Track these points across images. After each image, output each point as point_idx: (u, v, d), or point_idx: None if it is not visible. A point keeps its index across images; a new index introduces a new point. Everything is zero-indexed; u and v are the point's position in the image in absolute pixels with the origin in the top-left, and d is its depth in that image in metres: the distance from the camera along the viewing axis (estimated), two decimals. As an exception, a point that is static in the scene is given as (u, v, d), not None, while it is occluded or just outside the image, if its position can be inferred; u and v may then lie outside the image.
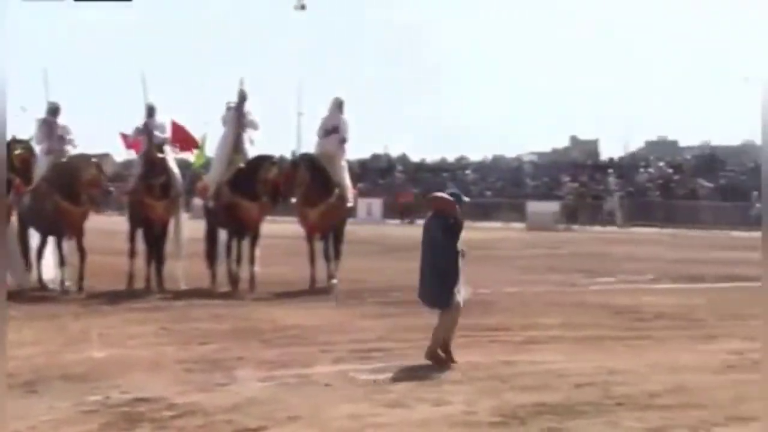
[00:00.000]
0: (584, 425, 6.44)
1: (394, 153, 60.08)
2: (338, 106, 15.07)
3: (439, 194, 9.00)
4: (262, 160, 14.43)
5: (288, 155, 24.45)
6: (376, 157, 57.74)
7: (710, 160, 44.13)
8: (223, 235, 14.80)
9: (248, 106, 14.83)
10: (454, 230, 8.66)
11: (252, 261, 14.31)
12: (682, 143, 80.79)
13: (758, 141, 73.02)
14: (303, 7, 39.09)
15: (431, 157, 63.98)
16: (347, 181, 15.29)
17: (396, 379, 7.80)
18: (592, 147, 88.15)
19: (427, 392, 7.35)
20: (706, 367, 8.37)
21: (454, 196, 8.83)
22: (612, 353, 9.11)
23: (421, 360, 8.52)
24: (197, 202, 17.57)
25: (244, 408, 6.85)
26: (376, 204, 45.02)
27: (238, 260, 14.37)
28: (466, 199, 9.08)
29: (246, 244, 14.46)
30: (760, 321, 11.22)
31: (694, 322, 11.19)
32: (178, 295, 13.49)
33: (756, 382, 7.64)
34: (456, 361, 8.49)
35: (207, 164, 18.48)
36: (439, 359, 8.46)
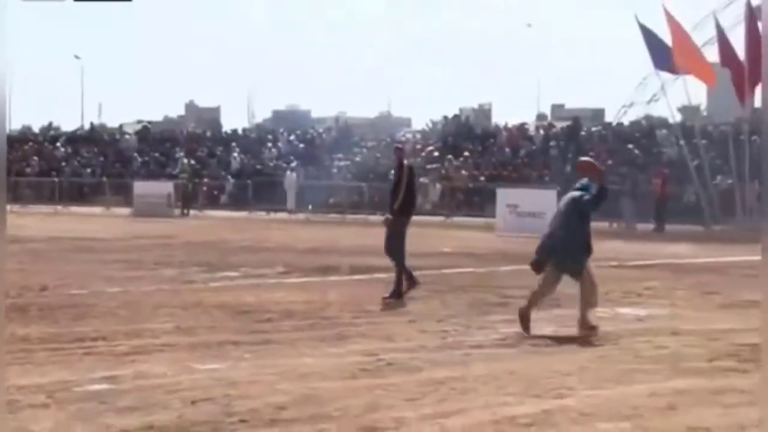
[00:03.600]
0: (199, 449, 6.54)
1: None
2: None
3: (586, 159, 12.68)
4: None
5: None
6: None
7: (345, 135, 46.44)
8: None
9: None
10: (600, 198, 11.42)
11: None
12: (315, 114, 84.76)
13: (395, 113, 78.04)
14: None
15: (10, 125, 61.06)
16: None
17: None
18: (213, 116, 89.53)
19: (1, 421, 7.01)
20: (337, 373, 8.82)
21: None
22: (233, 361, 9.31)
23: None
24: None
25: None
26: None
27: None
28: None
29: None
30: (394, 317, 12.12)
31: (326, 321, 11.76)
32: None
33: (392, 386, 8.22)
34: (596, 326, 11.09)
35: None
36: (591, 326, 11.08)
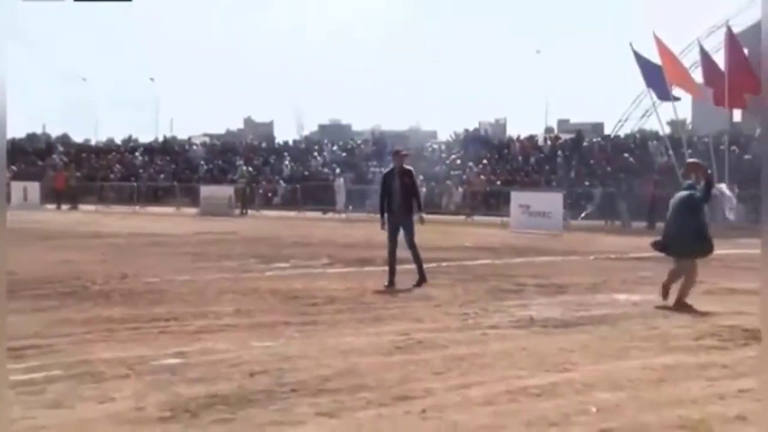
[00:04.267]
0: (257, 414, 6.54)
1: (54, 133, 57.11)
2: None
3: (694, 160, 13.41)
4: None
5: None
6: (32, 137, 54.45)
7: (381, 145, 46.41)
8: None
9: None
10: (708, 192, 11.90)
11: None
12: (355, 128, 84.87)
13: (423, 126, 78.07)
14: None
15: (96, 138, 61.59)
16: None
17: (54, 378, 7.43)
18: (267, 129, 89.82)
19: (89, 390, 7.08)
20: (374, 349, 8.81)
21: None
22: (285, 339, 9.32)
23: (83, 355, 8.20)
24: None
25: None
26: (33, 188, 42.51)
27: None
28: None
29: None
30: (422, 302, 12.10)
31: (364, 305, 11.76)
32: None
33: (421, 362, 8.21)
34: (689, 305, 11.46)
35: None
36: (686, 305, 11.47)
